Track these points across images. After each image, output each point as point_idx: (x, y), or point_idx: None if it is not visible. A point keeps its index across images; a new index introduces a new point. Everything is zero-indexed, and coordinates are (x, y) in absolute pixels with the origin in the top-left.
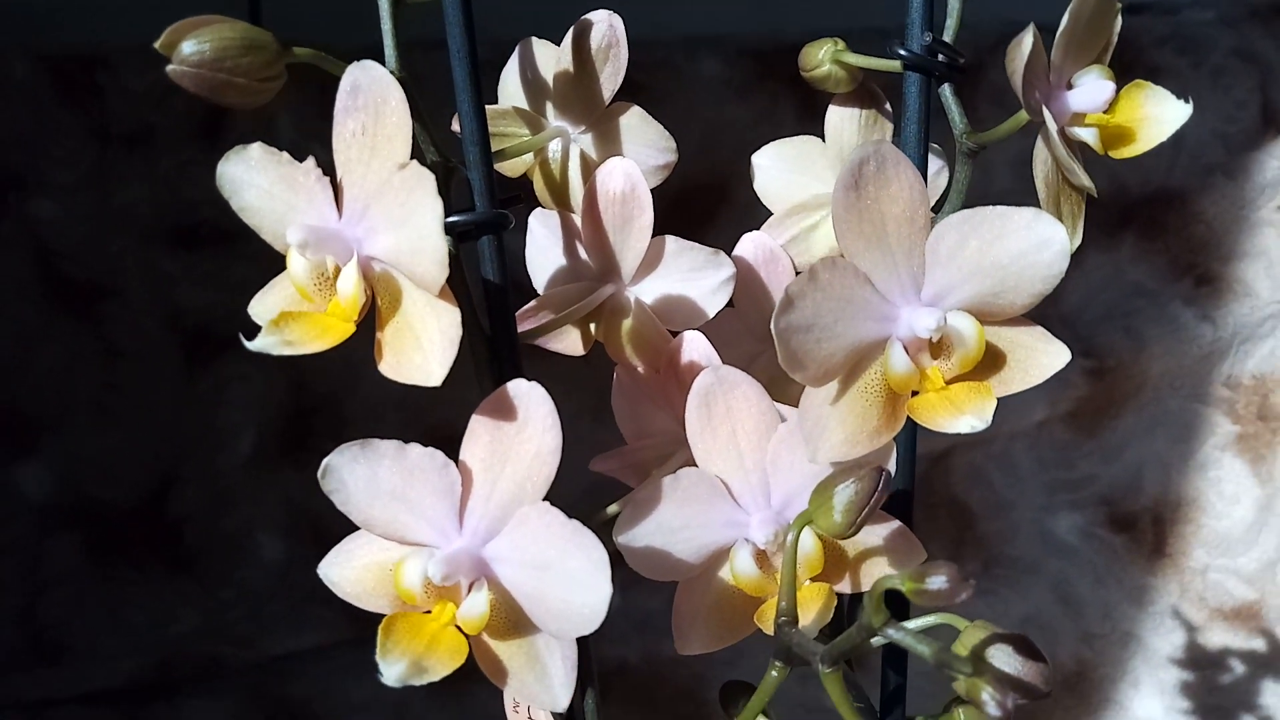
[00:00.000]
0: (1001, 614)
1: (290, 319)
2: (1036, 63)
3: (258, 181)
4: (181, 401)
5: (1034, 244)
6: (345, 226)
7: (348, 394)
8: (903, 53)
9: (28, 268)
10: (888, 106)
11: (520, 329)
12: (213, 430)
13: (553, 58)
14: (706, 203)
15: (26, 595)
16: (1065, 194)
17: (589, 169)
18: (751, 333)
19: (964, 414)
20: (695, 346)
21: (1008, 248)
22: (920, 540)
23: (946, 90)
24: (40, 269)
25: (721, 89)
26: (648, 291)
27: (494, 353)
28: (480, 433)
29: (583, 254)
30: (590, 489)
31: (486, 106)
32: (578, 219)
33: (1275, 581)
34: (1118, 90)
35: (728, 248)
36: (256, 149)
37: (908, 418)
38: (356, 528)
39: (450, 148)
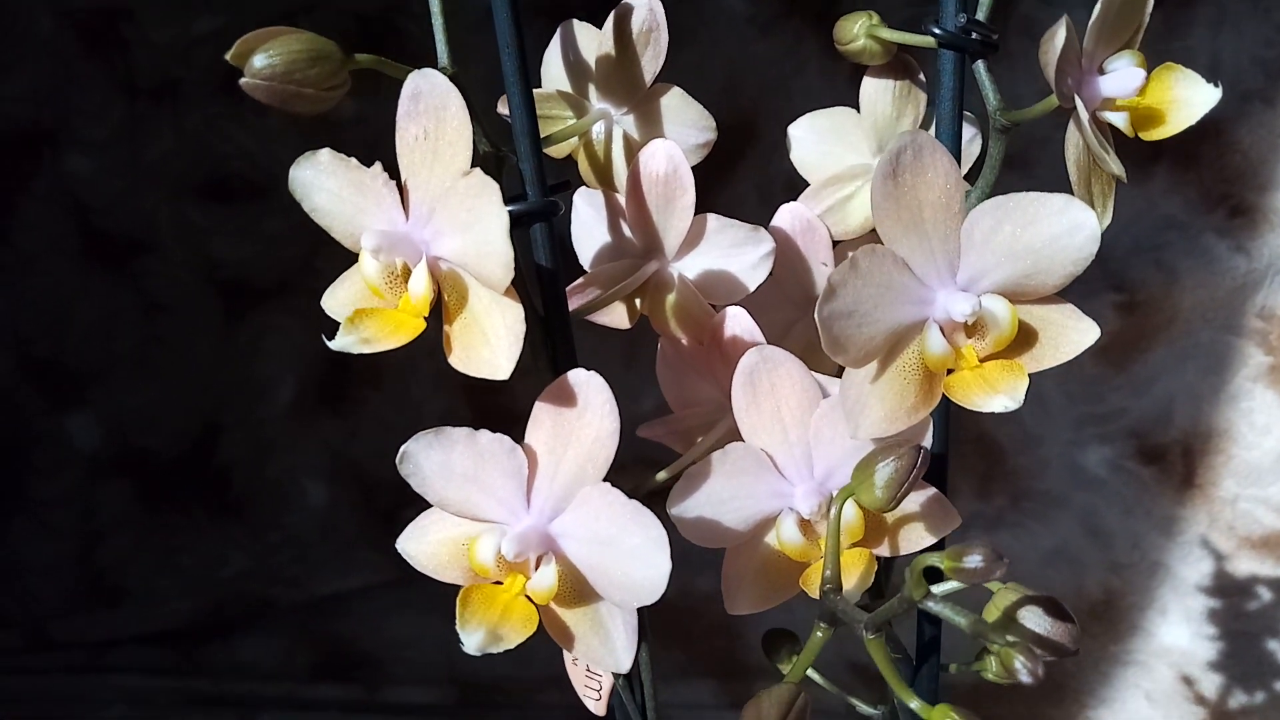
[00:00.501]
0: (1030, 546)
1: (365, 316)
2: (1069, 49)
3: (327, 185)
4: (221, 353)
5: (1066, 228)
6: (413, 229)
7: None
8: (937, 31)
9: (64, 224)
10: (921, 77)
11: (568, 305)
12: (253, 380)
13: (594, 41)
14: (733, 143)
15: (84, 541)
16: (1096, 174)
17: (632, 149)
18: (790, 300)
19: (998, 393)
20: (738, 322)
21: (1040, 232)
22: (951, 475)
23: (980, 67)
24: (76, 225)
25: (744, 26)
26: (690, 267)
27: (548, 333)
28: (543, 418)
29: (627, 232)
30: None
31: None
32: (622, 198)
33: None
34: (1148, 73)
35: (756, 188)
36: (325, 155)
37: None
38: (399, 477)
39: (496, 129)
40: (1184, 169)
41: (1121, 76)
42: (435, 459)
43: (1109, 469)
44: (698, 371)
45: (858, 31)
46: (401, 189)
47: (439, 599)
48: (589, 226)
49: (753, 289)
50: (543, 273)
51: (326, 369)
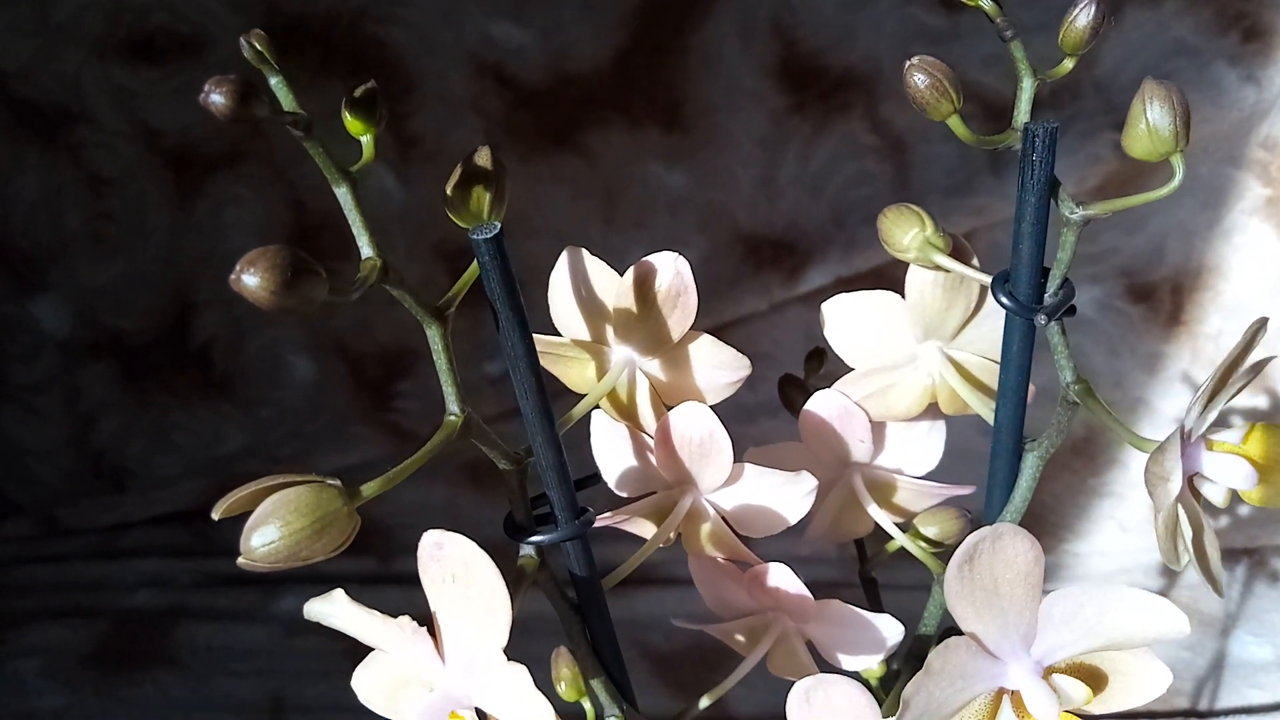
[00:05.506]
0: None
1: None
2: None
3: (347, 618)
4: (180, 228)
5: (1148, 618)
6: (453, 680)
7: None
8: (1006, 303)
9: None
10: (975, 261)
11: (599, 523)
12: (218, 254)
13: (609, 282)
14: None
15: (75, 425)
16: (1181, 529)
17: (658, 392)
18: (826, 468)
19: None
20: (783, 578)
21: (1121, 619)
22: None
23: (1055, 332)
24: None
25: None
26: (728, 499)
27: (584, 621)
28: None
29: (654, 462)
30: None
31: (543, 337)
32: (648, 437)
33: None
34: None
35: (738, 26)
36: (341, 597)
37: None
38: (384, 349)
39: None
40: None
41: (1232, 468)
42: None
43: (1098, 309)
44: (735, 581)
45: (909, 244)
46: (432, 626)
47: (437, 463)
48: (610, 446)
49: (794, 522)
50: (577, 580)
51: (293, 240)
